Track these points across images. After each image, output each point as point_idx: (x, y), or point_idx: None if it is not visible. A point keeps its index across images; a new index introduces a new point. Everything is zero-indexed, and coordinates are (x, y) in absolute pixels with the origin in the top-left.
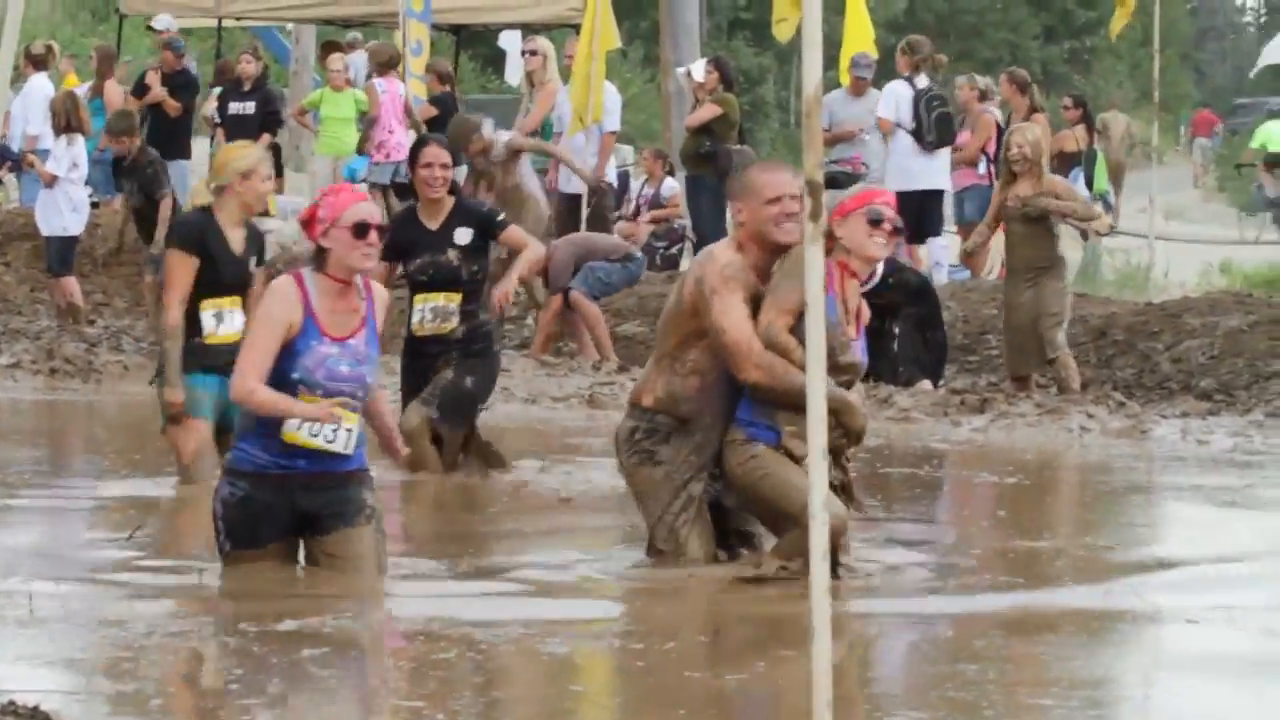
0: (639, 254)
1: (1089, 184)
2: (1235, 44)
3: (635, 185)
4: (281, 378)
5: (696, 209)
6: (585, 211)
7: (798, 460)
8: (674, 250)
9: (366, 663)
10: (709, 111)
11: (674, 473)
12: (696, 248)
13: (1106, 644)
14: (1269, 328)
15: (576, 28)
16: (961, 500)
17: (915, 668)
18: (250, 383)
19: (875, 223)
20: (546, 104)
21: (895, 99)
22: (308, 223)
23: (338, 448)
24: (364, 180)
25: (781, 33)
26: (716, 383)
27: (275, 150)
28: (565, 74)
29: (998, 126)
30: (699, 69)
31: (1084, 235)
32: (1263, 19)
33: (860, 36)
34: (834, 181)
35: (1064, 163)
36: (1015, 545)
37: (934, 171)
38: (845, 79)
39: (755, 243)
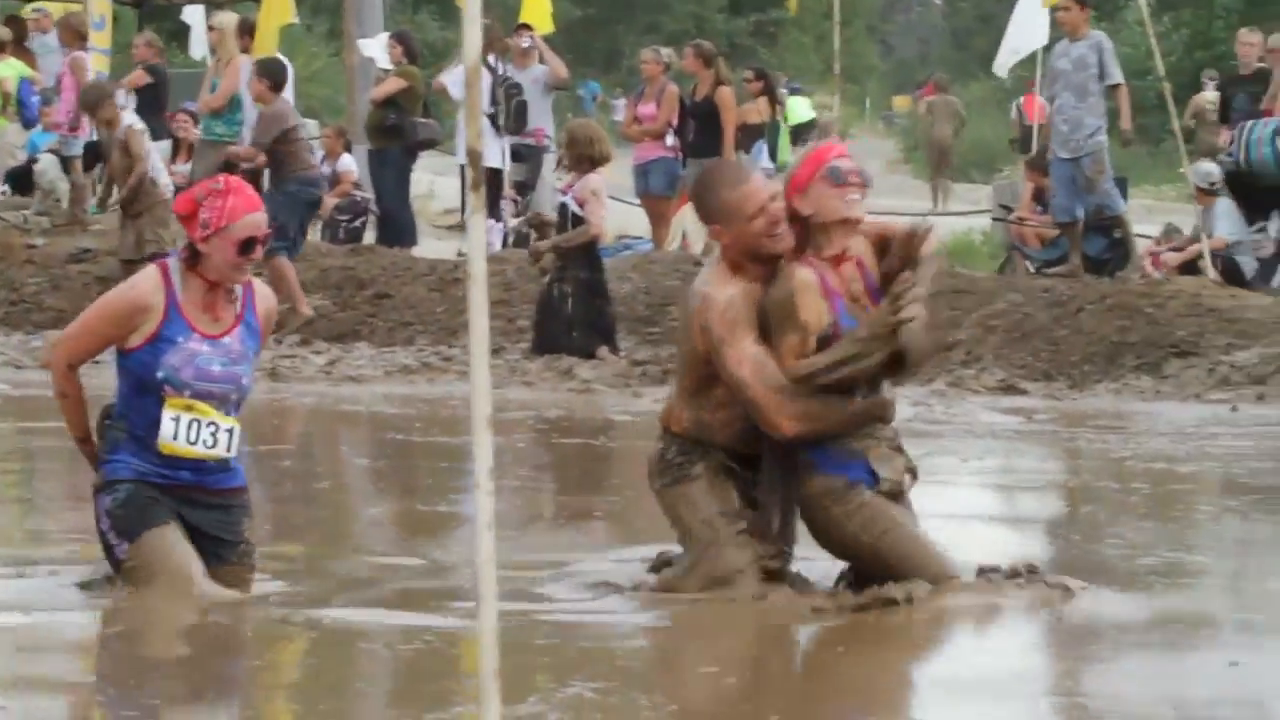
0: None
1: (773, 155)
2: (921, 17)
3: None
4: (145, 377)
5: (381, 182)
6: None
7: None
8: (357, 223)
9: None
10: (393, 84)
11: (715, 485)
12: (380, 221)
13: (771, 613)
14: (951, 298)
15: (259, 1)
16: (631, 470)
17: (589, 637)
18: (61, 366)
19: (838, 182)
20: (233, 79)
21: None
22: (187, 219)
23: (219, 452)
24: (51, 152)
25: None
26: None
27: None
28: None
29: (682, 102)
30: (379, 50)
31: None
32: None
33: (535, 9)
34: (518, 155)
35: (748, 135)
36: None
37: (495, 153)
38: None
39: (749, 261)
